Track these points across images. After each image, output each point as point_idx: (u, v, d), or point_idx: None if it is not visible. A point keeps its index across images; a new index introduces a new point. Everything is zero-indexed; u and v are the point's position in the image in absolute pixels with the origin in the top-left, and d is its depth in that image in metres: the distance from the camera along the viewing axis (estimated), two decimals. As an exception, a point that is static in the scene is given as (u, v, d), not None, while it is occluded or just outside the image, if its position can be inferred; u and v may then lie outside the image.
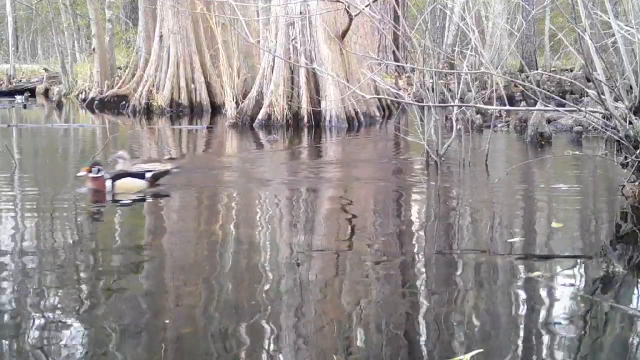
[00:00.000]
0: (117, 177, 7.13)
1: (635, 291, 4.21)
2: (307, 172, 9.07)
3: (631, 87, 6.55)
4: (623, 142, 6.40)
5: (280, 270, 4.54)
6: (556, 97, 8.11)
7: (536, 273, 4.36)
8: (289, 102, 15.32)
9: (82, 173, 6.97)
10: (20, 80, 32.24)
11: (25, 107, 23.42)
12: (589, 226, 5.91)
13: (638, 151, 6.21)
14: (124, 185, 7.12)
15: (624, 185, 6.60)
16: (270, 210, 6.69)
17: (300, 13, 15.19)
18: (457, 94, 9.56)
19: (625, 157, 6.52)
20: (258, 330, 3.50)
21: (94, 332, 3.50)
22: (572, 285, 4.24)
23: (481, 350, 3.18)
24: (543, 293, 4.07)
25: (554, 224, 5.75)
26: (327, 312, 3.82)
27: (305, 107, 15.20)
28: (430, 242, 5.40)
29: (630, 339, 3.42)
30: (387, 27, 18.03)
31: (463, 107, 10.65)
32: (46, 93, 28.67)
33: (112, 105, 21.73)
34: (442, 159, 8.91)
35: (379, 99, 16.93)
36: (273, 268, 4.59)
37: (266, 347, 3.33)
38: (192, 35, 20.95)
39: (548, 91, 10.12)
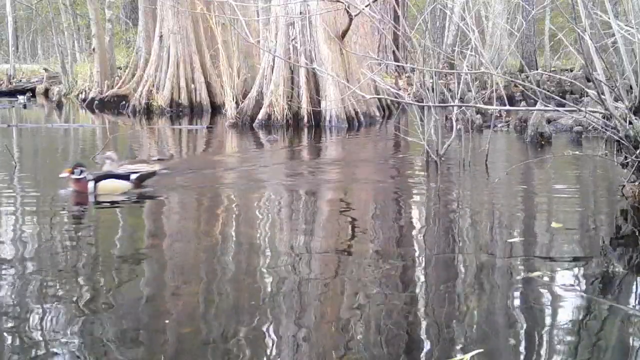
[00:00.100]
0: (99, 178, 6.98)
1: (635, 291, 4.21)
2: (307, 172, 9.07)
3: (631, 87, 6.55)
4: (623, 142, 6.40)
5: (279, 271, 4.54)
6: (556, 97, 8.11)
7: (536, 273, 4.36)
8: (289, 102, 15.32)
9: (64, 174, 6.85)
10: (20, 80, 32.26)
11: (25, 107, 23.42)
12: (589, 226, 5.91)
13: (638, 151, 6.21)
14: (107, 186, 6.97)
15: (624, 185, 6.60)
16: (263, 213, 6.66)
17: (300, 13, 15.19)
18: (457, 94, 9.56)
19: (625, 157, 6.52)
20: (258, 331, 3.50)
21: (94, 332, 3.50)
22: (572, 285, 4.24)
23: (481, 350, 3.18)
24: (543, 293, 4.07)
25: (553, 224, 5.75)
26: (327, 312, 3.82)
27: (305, 107, 15.20)
28: (430, 242, 5.39)
29: (630, 339, 3.42)
30: (387, 27, 18.03)
31: (463, 107, 10.65)
32: (46, 93, 28.68)
33: (112, 105, 21.73)
34: (442, 159, 8.91)
35: (379, 99, 16.94)
36: (271, 270, 4.59)
37: (266, 348, 3.33)
38: (192, 35, 20.96)
39: (548, 91, 10.12)
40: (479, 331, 3.49)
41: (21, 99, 24.89)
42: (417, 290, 4.22)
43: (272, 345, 3.35)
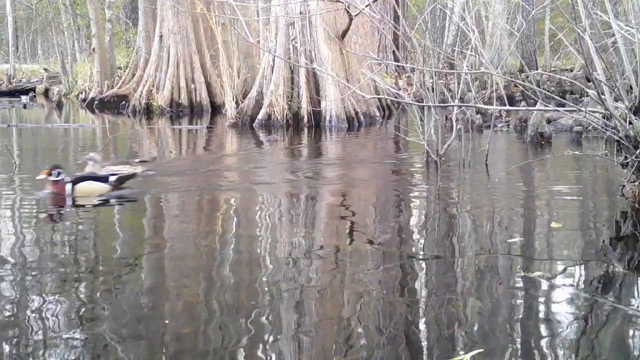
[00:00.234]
0: (77, 180, 6.83)
1: (635, 291, 4.21)
2: (307, 172, 9.05)
3: (631, 87, 6.55)
4: (623, 142, 6.40)
5: (279, 270, 4.54)
6: (556, 97, 8.11)
7: (536, 273, 4.36)
8: (289, 102, 15.32)
9: (42, 176, 6.73)
10: (20, 80, 32.27)
11: (25, 107, 23.42)
12: (589, 226, 5.91)
13: (638, 151, 6.21)
14: (85, 188, 6.83)
15: (624, 185, 6.60)
16: (261, 213, 6.66)
17: (300, 13, 15.19)
18: (457, 94, 9.56)
19: (625, 157, 6.52)
20: (258, 331, 3.50)
21: (93, 332, 3.50)
22: (572, 285, 4.24)
23: (481, 350, 3.18)
24: (543, 293, 4.07)
25: (553, 224, 5.75)
26: (327, 312, 3.82)
27: (305, 107, 15.20)
28: (430, 242, 5.39)
29: (630, 339, 3.42)
30: (387, 27, 18.03)
31: (463, 107, 10.65)
32: (46, 93, 28.69)
33: (112, 105, 21.74)
34: (442, 159, 8.91)
35: (379, 99, 16.94)
36: (271, 270, 4.59)
37: (266, 348, 3.33)
38: (192, 35, 20.96)
39: (548, 91, 10.12)
40: (479, 331, 3.49)
41: (24, 98, 24.97)
42: (417, 290, 4.22)
43: (272, 345, 3.35)
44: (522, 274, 4.38)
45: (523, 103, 15.68)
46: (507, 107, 9.76)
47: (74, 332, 3.48)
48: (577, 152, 9.34)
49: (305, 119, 15.24)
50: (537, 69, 24.21)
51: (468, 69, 10.56)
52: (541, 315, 3.73)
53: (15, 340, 3.40)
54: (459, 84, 9.88)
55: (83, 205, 6.63)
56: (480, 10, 21.84)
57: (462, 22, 9.97)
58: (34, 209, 6.61)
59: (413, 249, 5.24)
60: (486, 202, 6.93)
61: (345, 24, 15.26)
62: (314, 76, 15.29)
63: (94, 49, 24.07)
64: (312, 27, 15.28)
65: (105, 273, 4.51)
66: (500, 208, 6.64)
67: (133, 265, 4.74)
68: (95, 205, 6.65)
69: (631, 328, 3.54)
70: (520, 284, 4.20)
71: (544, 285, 4.17)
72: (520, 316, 3.72)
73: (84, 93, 24.10)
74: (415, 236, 5.62)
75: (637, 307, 3.86)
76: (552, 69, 26.74)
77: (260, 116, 15.43)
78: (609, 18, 6.60)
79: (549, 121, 12.53)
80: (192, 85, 20.94)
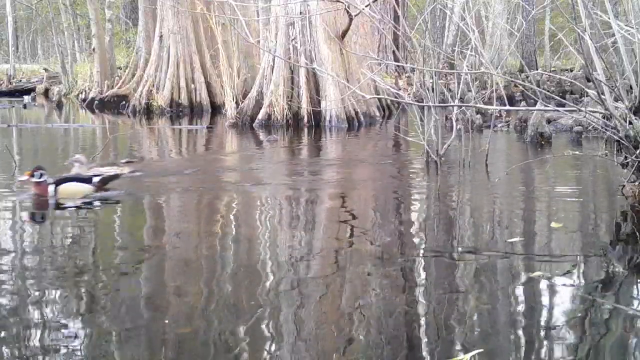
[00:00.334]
0: (60, 182, 6.72)
1: (635, 291, 4.21)
2: (306, 172, 9.07)
3: (631, 87, 6.55)
4: (623, 142, 6.40)
5: (279, 270, 4.54)
6: (556, 97, 8.11)
7: (536, 273, 4.36)
8: (289, 102, 15.32)
9: (24, 177, 6.66)
10: (20, 80, 32.27)
11: (25, 107, 23.43)
12: (589, 226, 5.91)
13: (638, 151, 6.21)
14: (67, 190, 6.71)
15: (624, 185, 6.59)
16: (260, 213, 6.66)
17: (300, 13, 15.19)
18: (457, 94, 9.56)
19: (625, 157, 6.52)
20: (258, 330, 3.50)
21: (93, 332, 3.50)
22: (572, 285, 4.24)
23: (481, 350, 3.18)
24: (543, 293, 4.07)
25: (553, 224, 5.74)
26: (327, 312, 3.82)
27: (305, 107, 15.20)
28: (430, 242, 5.40)
29: (630, 339, 3.42)
30: (387, 27, 18.03)
31: (463, 107, 10.65)
32: (46, 93, 28.69)
33: (112, 105, 21.74)
34: (442, 159, 8.91)
35: (379, 99, 16.94)
36: (270, 269, 4.59)
37: (266, 348, 3.33)
38: (192, 35, 20.96)
39: (548, 91, 10.12)
40: (479, 331, 3.49)
41: (26, 98, 25.02)
42: (417, 290, 4.21)
43: (272, 345, 3.35)
44: (522, 274, 4.38)
45: (523, 103, 15.68)
46: (507, 107, 9.76)
47: (73, 332, 3.48)
48: (577, 152, 9.34)
49: (305, 119, 15.24)
50: (537, 69, 24.21)
51: (468, 69, 10.56)
52: (541, 315, 3.73)
53: (15, 340, 3.40)
54: (459, 84, 9.88)
55: (77, 206, 6.57)
56: (480, 10, 21.84)
57: (462, 22, 9.97)
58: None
59: (413, 249, 5.24)
60: (486, 202, 6.93)
61: (345, 24, 15.26)
62: (314, 76, 15.28)
63: (94, 49, 24.07)
64: (312, 27, 15.27)
65: (104, 273, 4.51)
66: (500, 208, 6.64)
67: (124, 267, 4.74)
68: (78, 207, 6.55)
69: (631, 328, 3.53)
70: (520, 284, 4.20)
71: (544, 285, 4.17)
72: (520, 316, 3.72)
73: (84, 93, 24.11)
74: (415, 236, 5.61)
75: (637, 307, 3.86)
76: (552, 69, 26.73)
77: (260, 116, 15.43)
78: (609, 18, 6.60)
79: (549, 121, 12.52)
80: (192, 85, 20.94)
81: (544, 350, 3.28)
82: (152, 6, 21.76)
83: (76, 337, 3.43)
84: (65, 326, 3.55)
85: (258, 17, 18.61)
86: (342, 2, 14.05)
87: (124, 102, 21.46)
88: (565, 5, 15.24)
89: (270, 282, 4.30)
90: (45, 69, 31.34)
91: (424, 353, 3.29)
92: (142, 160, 9.62)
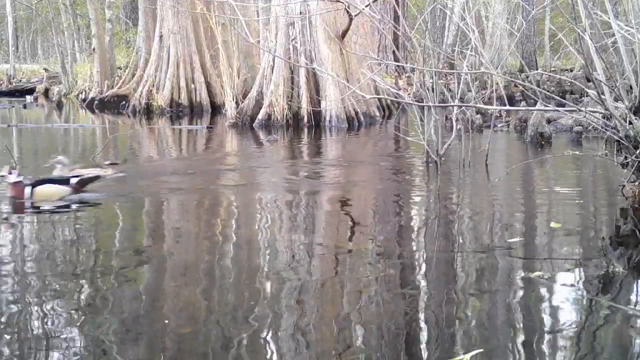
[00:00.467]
0: (37, 183, 6.60)
1: (635, 291, 4.20)
2: (306, 172, 9.06)
3: (631, 87, 6.55)
4: (623, 142, 6.40)
5: (279, 270, 4.54)
6: (556, 97, 8.11)
7: (536, 273, 4.36)
8: (289, 102, 15.32)
9: (4, 172, 6.50)
10: (20, 80, 32.28)
11: (25, 107, 23.43)
12: (589, 226, 5.91)
13: (638, 151, 6.21)
14: (44, 192, 6.60)
15: (624, 185, 6.59)
16: (259, 213, 6.66)
17: (300, 13, 15.19)
18: (457, 94, 9.56)
19: (625, 157, 6.52)
20: (258, 331, 3.50)
21: (93, 332, 3.50)
22: (572, 285, 4.23)
23: (481, 350, 3.18)
24: (543, 293, 4.07)
25: (553, 224, 5.74)
26: (327, 312, 3.81)
27: (305, 107, 15.20)
28: (430, 242, 5.40)
29: (630, 339, 3.42)
30: (387, 27, 18.03)
31: (463, 107, 10.65)
32: (46, 93, 28.69)
33: (112, 105, 21.74)
34: (442, 159, 8.91)
35: (379, 99, 16.94)
36: (270, 270, 4.59)
37: (266, 348, 3.33)
38: (192, 35, 20.96)
39: (548, 91, 10.12)
40: (479, 331, 3.49)
41: (28, 98, 25.07)
42: (417, 290, 4.21)
43: (272, 345, 3.35)
44: (522, 274, 4.38)
45: (523, 103, 15.68)
46: (507, 107, 9.76)
47: (73, 333, 3.48)
48: (577, 152, 9.35)
49: (305, 119, 15.24)
50: (537, 69, 24.21)
51: (468, 69, 10.56)
52: (541, 315, 3.73)
53: (15, 340, 3.40)
54: (459, 84, 9.88)
55: (54, 208, 6.45)
56: (480, 10, 21.84)
57: (462, 22, 9.97)
58: (32, 208, 6.61)
59: (413, 248, 5.24)
60: (486, 202, 6.93)
61: (345, 24, 15.26)
62: (314, 76, 15.29)
63: (94, 49, 24.07)
64: (312, 27, 15.28)
65: (104, 273, 4.51)
66: (500, 208, 6.64)
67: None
68: (55, 208, 6.42)
69: (631, 328, 3.53)
70: (520, 284, 4.20)
71: (544, 285, 4.17)
72: (520, 316, 3.71)
73: (84, 93, 24.11)
74: (415, 236, 5.61)
75: (637, 307, 3.86)
76: (552, 69, 26.73)
77: (260, 116, 15.43)
78: (609, 18, 6.60)
79: (549, 121, 12.52)
80: (192, 85, 20.94)
81: (544, 351, 3.28)
82: (152, 6, 21.76)
83: (76, 337, 3.43)
84: (65, 327, 3.55)
85: (258, 17, 18.62)
86: (342, 2, 14.05)
87: (124, 102, 21.46)
88: (565, 5, 15.24)
89: (270, 282, 4.30)
90: (45, 69, 31.34)
91: (424, 353, 3.28)
92: (126, 162, 9.47)
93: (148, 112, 20.47)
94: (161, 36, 20.94)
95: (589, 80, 12.79)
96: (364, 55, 14.69)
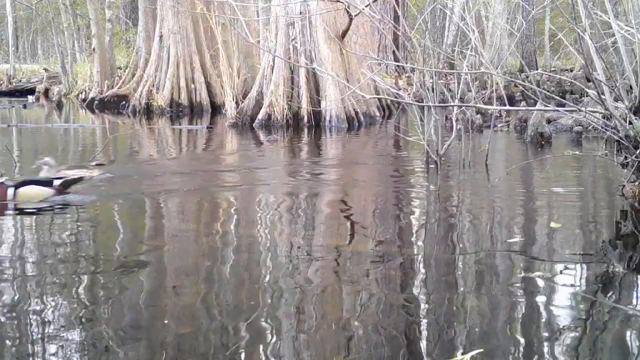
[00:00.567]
0: (19, 185, 6.53)
1: (636, 291, 4.21)
2: (306, 173, 9.06)
3: (631, 87, 6.55)
4: (623, 142, 6.40)
5: (279, 271, 4.54)
6: (556, 97, 8.11)
7: (536, 273, 4.36)
8: (289, 102, 15.32)
9: None
10: (20, 80, 32.28)
11: (25, 107, 23.43)
12: (589, 226, 5.91)
13: (638, 151, 6.21)
14: (27, 193, 6.52)
15: (624, 185, 6.60)
16: (257, 214, 6.67)
17: (300, 13, 15.19)
18: (457, 94, 9.56)
19: (625, 157, 6.52)
20: (258, 331, 3.50)
21: (93, 332, 3.50)
22: (572, 285, 4.24)
23: (481, 350, 3.18)
24: (543, 293, 4.07)
25: (553, 224, 5.74)
26: (327, 312, 3.81)
27: (305, 107, 15.21)
28: (430, 242, 5.40)
29: (631, 339, 3.42)
30: (387, 27, 18.03)
31: (463, 107, 10.65)
32: (46, 93, 28.70)
33: (112, 105, 21.75)
34: (442, 159, 8.91)
35: (379, 99, 16.94)
36: (270, 270, 4.59)
37: (266, 348, 3.33)
38: (192, 35, 20.97)
39: (548, 91, 10.12)
40: (479, 331, 3.49)
41: (30, 98, 25.09)
42: (417, 290, 4.21)
43: (272, 345, 3.35)
44: (522, 274, 4.38)
45: (523, 103, 15.68)
46: (507, 107, 9.76)
47: (73, 333, 3.48)
48: (577, 152, 9.35)
49: (305, 119, 15.24)
50: (537, 69, 24.22)
51: (468, 69, 10.56)
52: (541, 315, 3.73)
53: (15, 340, 3.40)
54: (459, 84, 9.88)
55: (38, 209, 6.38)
56: (480, 10, 21.85)
57: (462, 22, 9.97)
58: (31, 209, 6.61)
59: (413, 249, 5.24)
60: (486, 202, 6.93)
61: (345, 24, 15.26)
62: (314, 76, 15.29)
63: (94, 49, 24.08)
64: (312, 27, 15.28)
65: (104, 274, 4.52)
66: (500, 208, 6.64)
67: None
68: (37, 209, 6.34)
69: (631, 328, 3.53)
70: (520, 284, 4.20)
71: (544, 285, 4.17)
72: (520, 316, 3.71)
73: (84, 93, 24.12)
74: (415, 236, 5.61)
75: (637, 307, 3.86)
76: (552, 69, 26.74)
77: (260, 116, 15.43)
78: (609, 18, 6.60)
79: (549, 121, 12.53)
80: (192, 85, 20.94)
81: (543, 351, 3.28)
82: (152, 6, 21.76)
83: (76, 337, 3.43)
84: (65, 327, 3.55)
85: (258, 17, 18.63)
86: (342, 2, 14.05)
87: (124, 102, 21.47)
88: (565, 5, 15.25)
89: (270, 282, 4.29)
90: (45, 69, 31.34)
91: (424, 353, 3.28)
92: (113, 162, 9.39)
93: (148, 112, 20.47)
94: (161, 36, 20.95)
95: (589, 80, 12.79)
96: (364, 55, 14.69)
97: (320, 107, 15.13)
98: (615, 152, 7.14)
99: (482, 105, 10.03)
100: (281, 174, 8.99)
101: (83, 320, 3.64)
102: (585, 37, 6.25)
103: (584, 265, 4.65)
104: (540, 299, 3.98)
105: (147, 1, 22.15)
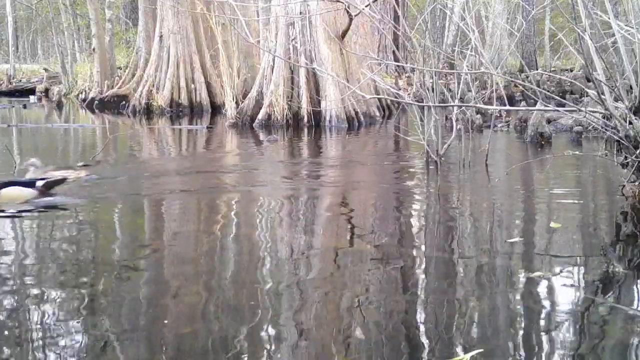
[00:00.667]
0: (1, 186, 6.47)
1: (635, 291, 4.21)
2: (306, 173, 9.06)
3: (631, 87, 6.55)
4: (623, 142, 6.40)
5: (279, 271, 4.54)
6: (556, 97, 8.11)
7: (536, 273, 4.36)
8: (289, 102, 15.32)
9: None
10: (20, 80, 32.27)
11: (25, 107, 23.43)
12: (589, 226, 5.91)
13: (638, 151, 6.21)
14: (9, 194, 6.45)
15: (624, 185, 6.60)
16: (256, 215, 6.67)
17: (300, 13, 15.19)
18: (457, 94, 9.56)
19: (625, 157, 6.52)
20: (258, 331, 3.50)
21: (93, 332, 3.50)
22: (572, 285, 4.24)
23: (481, 350, 3.18)
24: (543, 293, 4.07)
25: (553, 224, 5.74)
26: (327, 312, 3.81)
27: (305, 107, 15.20)
28: (430, 242, 5.40)
29: (631, 339, 3.42)
30: (387, 27, 18.03)
31: (463, 107, 10.65)
32: (46, 93, 28.70)
33: (112, 105, 21.74)
34: (442, 159, 8.91)
35: (379, 99, 16.94)
36: (270, 270, 4.59)
37: (266, 348, 3.33)
38: (192, 35, 20.97)
39: (548, 91, 10.13)
40: (479, 331, 3.49)
41: (32, 98, 25.11)
42: (417, 290, 4.21)
43: (272, 345, 3.35)
44: (522, 274, 4.38)
45: (523, 103, 15.68)
46: (507, 107, 9.76)
47: (73, 333, 3.48)
48: (577, 152, 9.35)
49: (305, 119, 15.24)
50: (537, 69, 24.21)
51: (468, 69, 10.56)
52: (541, 315, 3.73)
53: (15, 340, 3.40)
54: (459, 84, 9.88)
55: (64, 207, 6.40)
56: (480, 10, 21.85)
57: (462, 22, 9.97)
58: (31, 209, 6.61)
59: (413, 249, 5.24)
60: (486, 202, 6.93)
61: (345, 24, 15.26)
62: (314, 76, 15.29)
63: (94, 49, 24.07)
64: (312, 27, 15.28)
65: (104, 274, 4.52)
66: (500, 208, 6.64)
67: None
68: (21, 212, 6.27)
69: (631, 328, 3.53)
70: (520, 284, 4.20)
71: (544, 285, 4.17)
72: (520, 316, 3.72)
73: (84, 93, 24.11)
74: (415, 236, 5.61)
75: (637, 307, 3.86)
76: (552, 69, 26.73)
77: (260, 116, 15.43)
78: (609, 18, 6.60)
79: (549, 121, 12.53)
80: (192, 85, 20.94)
81: (543, 350, 3.28)
82: (152, 6, 21.76)
83: (76, 337, 3.43)
84: (65, 327, 3.55)
85: (258, 17, 18.62)
86: (342, 2, 14.05)
87: (124, 102, 21.46)
88: (565, 5, 15.25)
89: (270, 282, 4.29)
90: (45, 69, 31.34)
91: (424, 353, 3.28)
92: (99, 163, 9.32)
93: (148, 112, 20.47)
94: (161, 36, 20.95)
95: (589, 80, 12.79)
96: (364, 55, 14.68)
97: (320, 107, 15.13)
98: (615, 152, 7.14)
99: (482, 105, 10.03)
100: (281, 174, 8.99)
101: (83, 320, 3.64)
102: (585, 37, 6.25)
103: (584, 265, 4.65)
104: (540, 299, 3.98)
105: (147, 1, 22.15)
